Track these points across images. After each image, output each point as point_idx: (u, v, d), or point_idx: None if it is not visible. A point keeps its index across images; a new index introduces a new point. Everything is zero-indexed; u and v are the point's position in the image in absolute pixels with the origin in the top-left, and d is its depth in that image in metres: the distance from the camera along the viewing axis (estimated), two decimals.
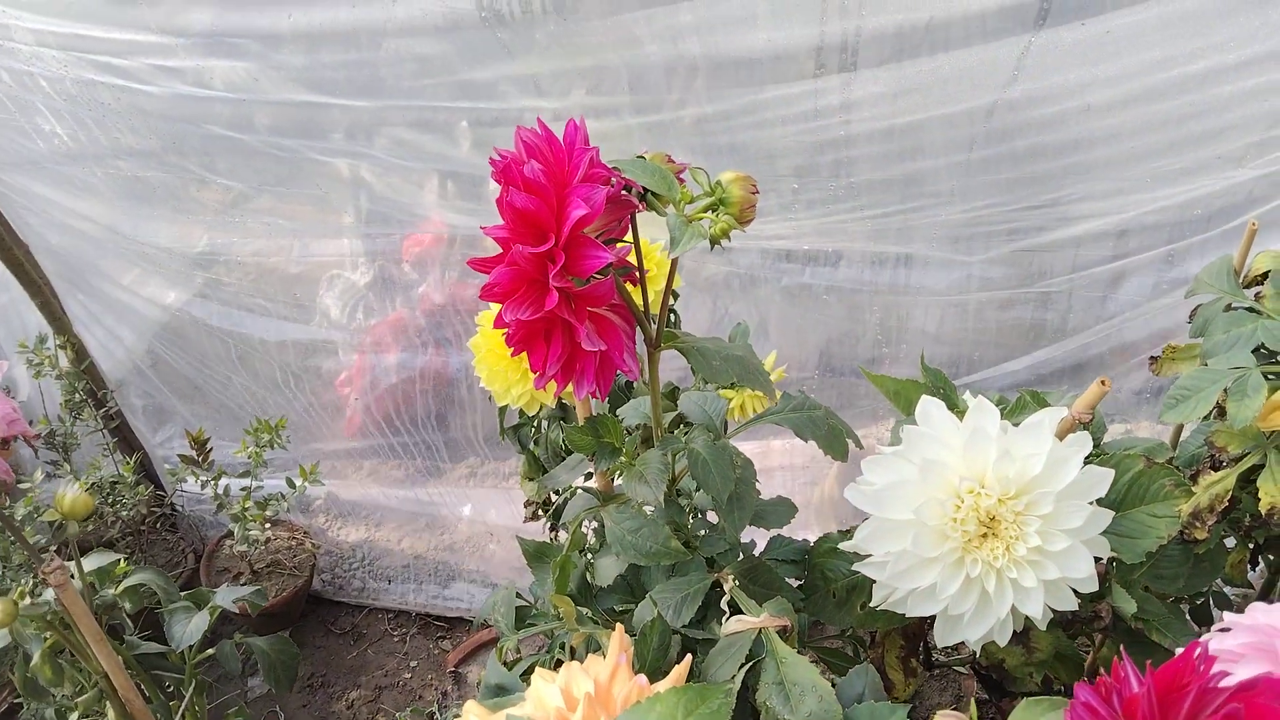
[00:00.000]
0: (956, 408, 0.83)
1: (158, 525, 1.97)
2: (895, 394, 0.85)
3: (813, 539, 0.80)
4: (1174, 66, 0.86)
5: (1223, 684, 0.39)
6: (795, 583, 0.72)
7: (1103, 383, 0.69)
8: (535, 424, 0.99)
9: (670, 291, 0.68)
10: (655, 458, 0.66)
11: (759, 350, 1.82)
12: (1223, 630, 0.48)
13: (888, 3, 0.81)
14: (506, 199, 0.58)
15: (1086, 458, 0.73)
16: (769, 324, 1.69)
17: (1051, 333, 1.27)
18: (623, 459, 0.67)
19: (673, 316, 1.01)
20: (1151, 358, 0.82)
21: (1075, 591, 0.63)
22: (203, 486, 1.62)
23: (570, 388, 0.61)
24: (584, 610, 0.66)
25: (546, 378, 0.60)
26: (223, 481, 1.63)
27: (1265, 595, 0.83)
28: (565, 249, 0.58)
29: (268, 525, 1.65)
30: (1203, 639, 0.46)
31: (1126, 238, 1.07)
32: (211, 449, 1.62)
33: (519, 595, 0.73)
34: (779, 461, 1.69)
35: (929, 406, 0.68)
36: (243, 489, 1.63)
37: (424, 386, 1.86)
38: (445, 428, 1.89)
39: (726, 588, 0.64)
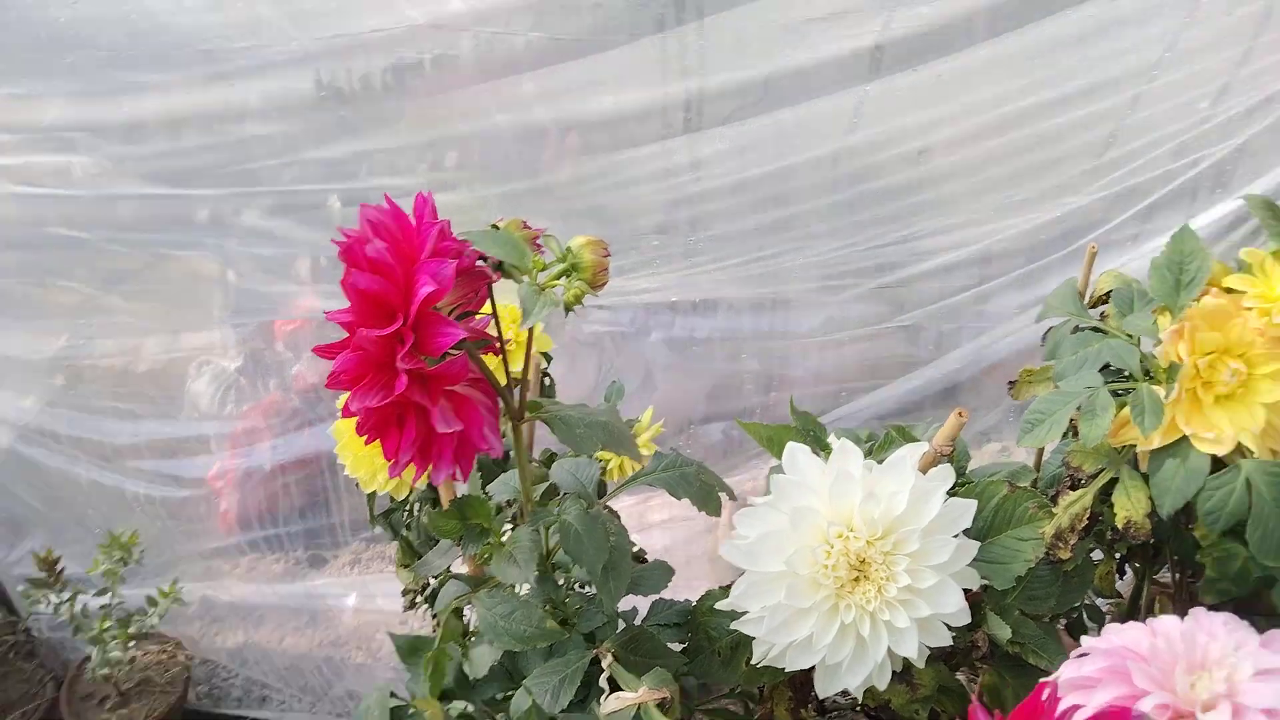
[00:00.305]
0: (826, 449, 0.86)
1: (10, 654, 1.84)
2: (769, 440, 0.87)
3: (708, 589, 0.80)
4: (1006, 103, 0.93)
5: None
6: (680, 645, 0.72)
7: (960, 414, 0.73)
8: (407, 507, 0.98)
9: (530, 362, 0.68)
10: (525, 536, 0.65)
11: (644, 403, 1.84)
12: (1081, 656, 0.51)
13: (725, 62, 0.85)
14: (349, 281, 0.57)
15: (951, 489, 0.76)
16: (655, 375, 1.71)
17: (924, 360, 1.33)
18: (492, 540, 0.67)
19: (546, 381, 1.02)
20: (1010, 382, 0.87)
21: (952, 624, 0.65)
22: (55, 610, 1.52)
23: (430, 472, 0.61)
24: (462, 705, 0.65)
25: (401, 465, 0.59)
26: (80, 600, 1.54)
27: (1135, 604, 0.87)
28: (415, 328, 0.57)
29: (132, 643, 1.56)
30: (1057, 671, 0.49)
31: (983, 265, 1.13)
32: (63, 568, 1.53)
33: (394, 695, 0.72)
34: (672, 514, 1.70)
35: (795, 453, 0.70)
36: (101, 607, 1.54)
37: (302, 472, 1.80)
38: (326, 513, 1.84)
39: (605, 664, 0.63)
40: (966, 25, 0.85)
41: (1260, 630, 0.79)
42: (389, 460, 0.59)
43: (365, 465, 0.90)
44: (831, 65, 0.89)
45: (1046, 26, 0.85)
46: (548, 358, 1.00)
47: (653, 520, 1.72)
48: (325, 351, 0.59)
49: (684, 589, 0.80)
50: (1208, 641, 0.48)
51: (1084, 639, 0.51)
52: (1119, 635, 0.50)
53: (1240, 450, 0.68)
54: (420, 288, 0.55)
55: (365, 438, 0.60)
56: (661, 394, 1.72)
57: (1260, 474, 0.67)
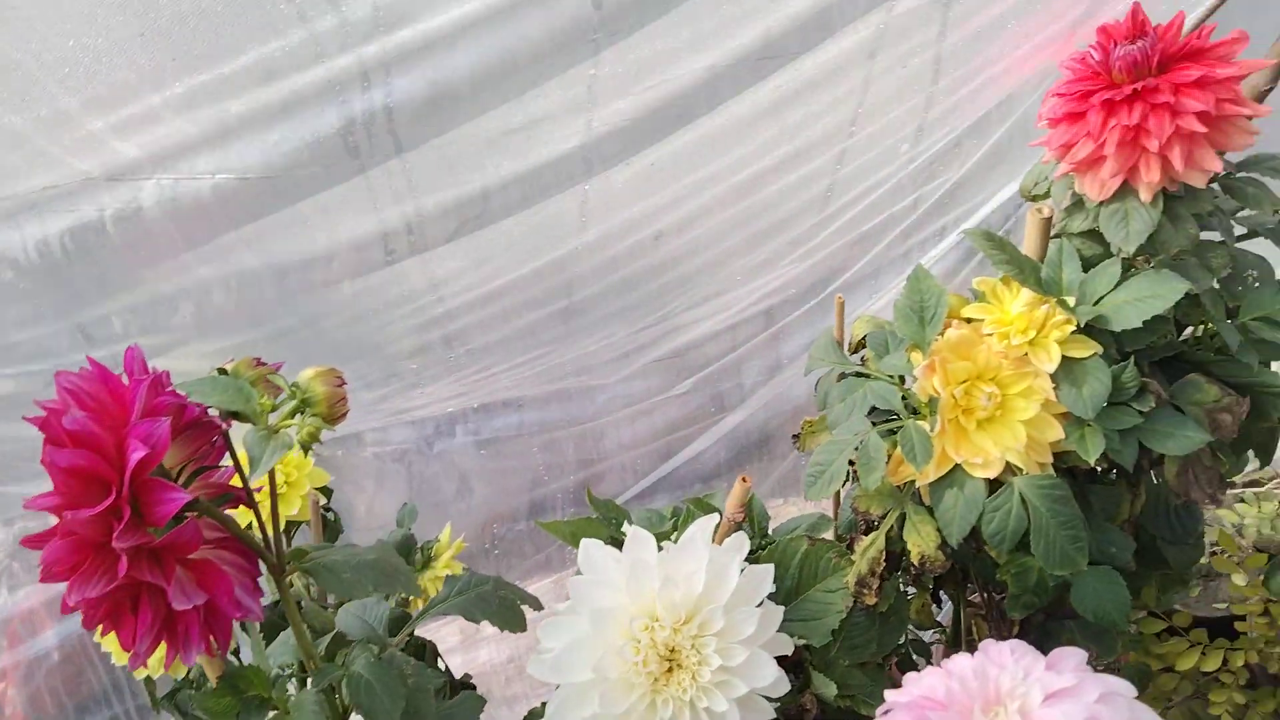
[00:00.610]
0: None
1: None
2: (572, 536, 0.85)
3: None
4: (722, 179, 0.97)
5: None
6: None
7: (744, 480, 0.73)
8: (192, 684, 0.89)
9: (267, 518, 0.63)
10: (309, 701, 0.60)
11: (463, 509, 1.77)
12: (886, 714, 0.50)
13: (436, 181, 0.84)
14: (49, 459, 0.51)
15: (752, 553, 0.76)
16: (470, 479, 1.67)
17: (730, 413, 1.36)
18: (275, 711, 0.61)
19: (330, 516, 0.96)
20: (794, 436, 0.88)
21: (771, 695, 0.64)
22: None
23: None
24: None
25: (143, 654, 0.53)
26: None
27: (957, 630, 0.89)
28: (132, 499, 0.52)
29: None
30: None
31: (739, 328, 1.17)
32: None
33: None
34: None
35: (589, 550, 0.68)
36: None
37: (94, 656, 1.63)
38: (107, 704, 1.67)
39: None
40: (664, 114, 0.88)
41: (1068, 635, 0.83)
42: (127, 651, 0.53)
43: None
44: (544, 170, 0.90)
45: (740, 104, 0.90)
46: (326, 492, 0.94)
47: (487, 633, 1.65)
48: (33, 542, 0.53)
49: (533, 698, 0.76)
50: (999, 674, 0.48)
51: (888, 693, 0.51)
52: (917, 685, 0.50)
53: (1011, 469, 0.71)
54: (131, 454, 0.50)
55: (101, 630, 0.54)
56: (480, 497, 1.67)
57: (1032, 489, 0.70)
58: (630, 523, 0.85)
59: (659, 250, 1.01)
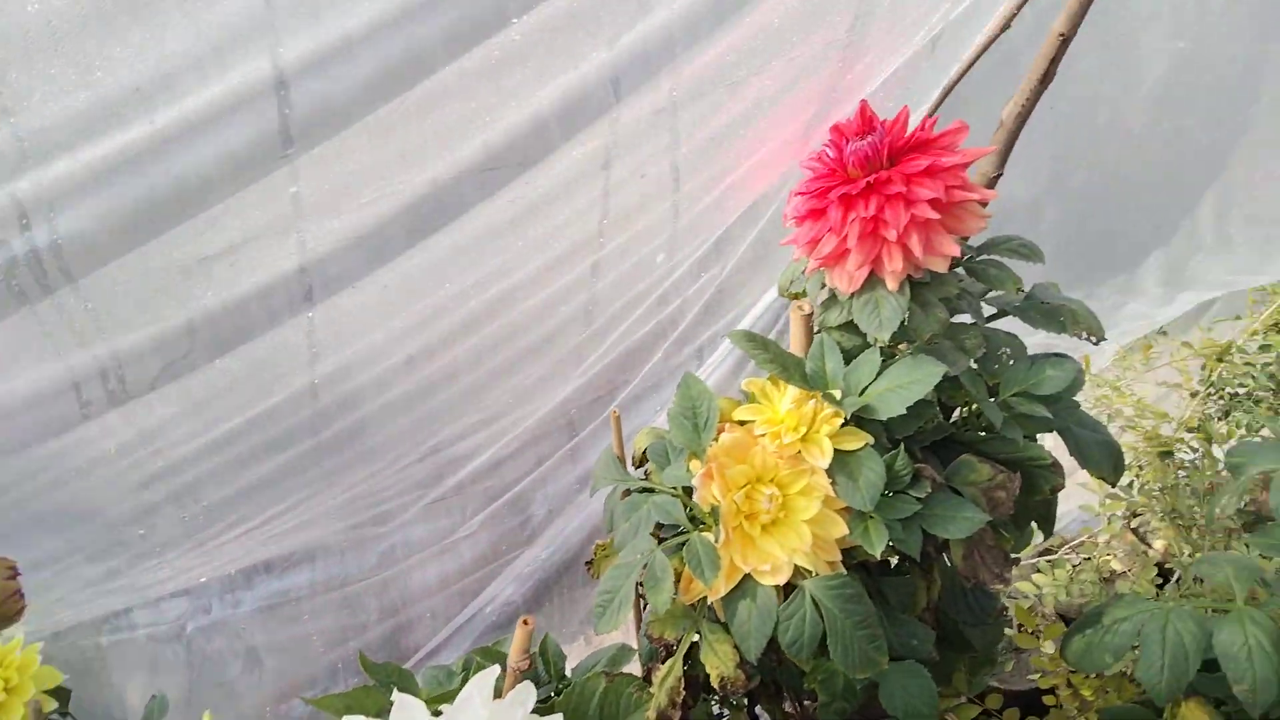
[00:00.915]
0: (417, 691, 0.77)
1: None
2: (346, 710, 0.76)
3: None
4: (473, 296, 0.93)
5: None
6: None
7: (525, 622, 0.67)
8: None
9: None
10: None
11: (250, 689, 1.59)
12: None
13: (127, 317, 0.76)
14: None
15: (545, 700, 0.69)
16: (259, 651, 1.51)
17: (526, 548, 1.29)
18: None
19: None
20: (587, 563, 0.83)
21: None
22: None
23: None
24: None
25: None
26: None
27: None
28: None
29: None
30: None
31: (526, 452, 1.12)
32: None
33: None
34: None
35: None
36: None
37: None
38: None
39: None
40: (389, 232, 0.83)
41: None
42: None
43: None
44: (256, 299, 0.82)
45: (475, 218, 0.86)
46: (62, 693, 0.81)
47: None
48: None
49: None
50: None
51: None
52: None
53: (801, 572, 0.68)
54: None
55: None
56: (272, 669, 1.52)
57: (822, 591, 0.68)
58: (416, 684, 0.78)
59: (413, 377, 0.95)
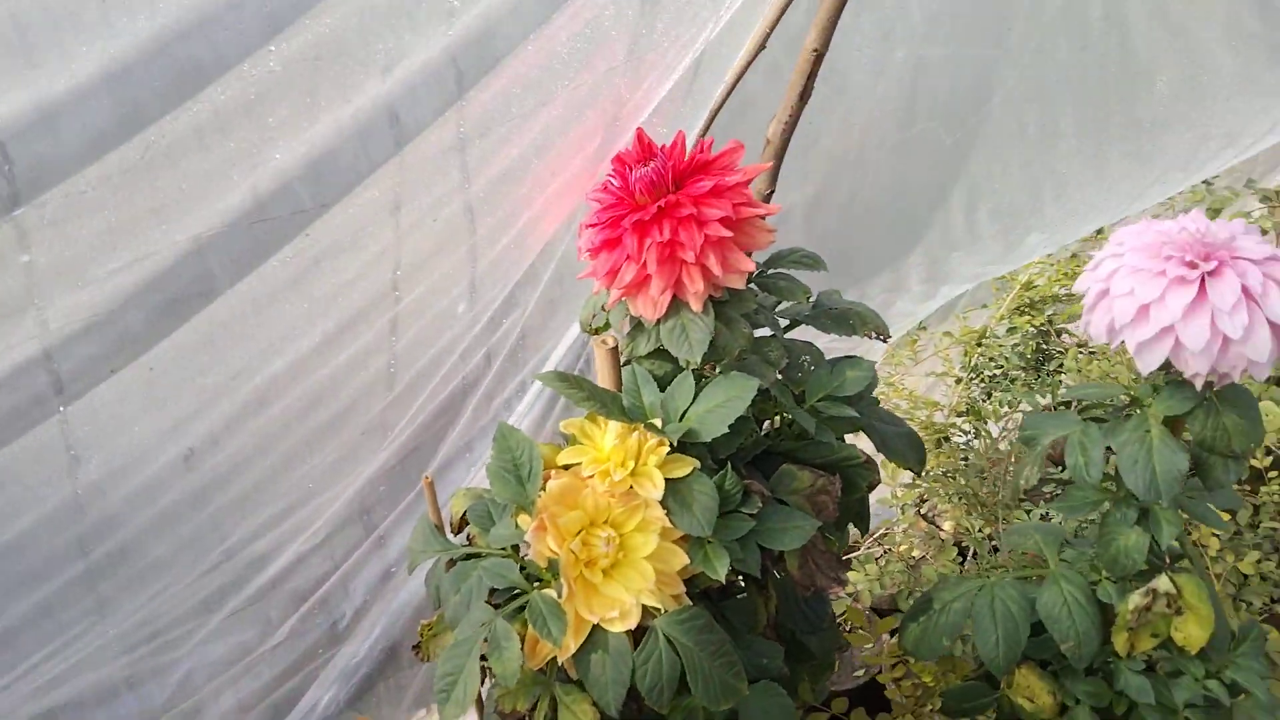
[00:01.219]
0: None
1: None
2: None
3: None
4: (257, 370, 0.84)
5: None
6: None
7: None
8: None
9: None
10: None
11: None
12: None
13: None
14: None
15: None
16: None
17: (342, 646, 1.19)
18: None
19: None
20: (414, 646, 0.77)
21: None
22: None
23: None
24: None
25: None
26: None
27: None
28: None
29: None
30: None
31: (330, 544, 1.03)
32: None
33: None
34: None
35: None
36: None
37: None
38: None
39: None
40: (148, 301, 0.74)
41: None
42: None
43: None
44: None
45: (248, 282, 0.77)
46: None
47: None
48: None
49: None
50: None
51: None
52: None
53: (649, 612, 0.66)
54: None
55: None
56: None
57: (674, 627, 0.66)
58: None
59: (194, 474, 0.84)
